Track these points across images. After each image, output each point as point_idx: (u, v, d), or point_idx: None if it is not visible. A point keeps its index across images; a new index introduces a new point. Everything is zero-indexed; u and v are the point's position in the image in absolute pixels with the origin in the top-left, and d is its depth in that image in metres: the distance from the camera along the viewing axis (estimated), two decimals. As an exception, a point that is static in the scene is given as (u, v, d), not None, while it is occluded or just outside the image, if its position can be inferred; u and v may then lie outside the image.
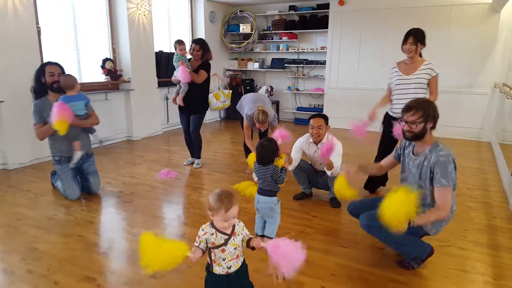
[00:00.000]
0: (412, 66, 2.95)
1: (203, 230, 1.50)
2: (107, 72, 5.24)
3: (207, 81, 4.08)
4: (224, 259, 1.51)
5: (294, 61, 7.24)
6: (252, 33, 7.33)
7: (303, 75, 7.27)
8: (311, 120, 3.00)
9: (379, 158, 3.22)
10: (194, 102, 4.05)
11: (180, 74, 3.75)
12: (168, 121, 6.50)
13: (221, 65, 7.49)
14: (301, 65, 7.19)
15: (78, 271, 2.12)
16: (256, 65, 7.52)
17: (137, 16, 5.45)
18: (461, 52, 5.74)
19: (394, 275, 2.10)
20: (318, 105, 7.22)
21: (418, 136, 2.02)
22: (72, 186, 3.18)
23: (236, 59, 7.76)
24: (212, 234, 1.48)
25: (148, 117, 5.90)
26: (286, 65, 7.29)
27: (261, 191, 2.39)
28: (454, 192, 2.01)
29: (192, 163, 4.33)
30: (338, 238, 2.55)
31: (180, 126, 4.42)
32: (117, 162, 4.43)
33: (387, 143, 3.14)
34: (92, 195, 3.33)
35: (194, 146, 4.25)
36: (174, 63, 3.89)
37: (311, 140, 3.07)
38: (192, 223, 2.80)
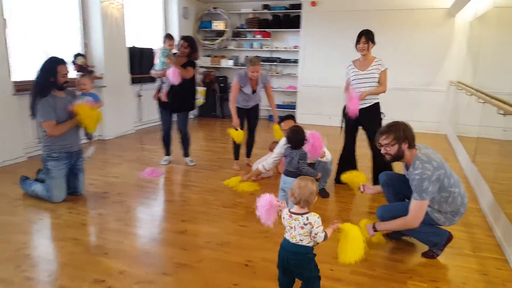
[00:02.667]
0: (365, 62, 3.36)
1: (318, 217, 1.69)
2: (79, 68, 4.97)
3: (193, 80, 4.05)
4: None
5: (268, 59, 7.33)
6: (225, 31, 7.31)
7: (276, 73, 7.39)
8: (282, 124, 3.38)
9: (346, 149, 3.56)
10: (183, 100, 3.99)
11: (172, 75, 3.68)
12: (140, 119, 6.29)
13: (193, 62, 7.37)
14: (275, 63, 7.30)
15: (83, 274, 2.03)
16: (230, 62, 7.50)
17: (110, 10, 5.22)
18: (421, 52, 6.21)
19: (387, 253, 2.31)
20: (292, 102, 7.37)
21: (396, 158, 2.12)
22: (61, 186, 3.03)
23: (209, 56, 7.68)
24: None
25: (121, 115, 5.67)
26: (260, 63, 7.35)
27: (287, 172, 2.72)
28: (455, 189, 2.15)
29: (170, 162, 4.26)
30: (327, 223, 2.70)
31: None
32: (94, 163, 4.22)
33: (350, 135, 3.53)
34: (77, 197, 3.17)
35: (184, 144, 4.20)
36: (160, 57, 3.79)
37: None
38: (191, 220, 2.77)
